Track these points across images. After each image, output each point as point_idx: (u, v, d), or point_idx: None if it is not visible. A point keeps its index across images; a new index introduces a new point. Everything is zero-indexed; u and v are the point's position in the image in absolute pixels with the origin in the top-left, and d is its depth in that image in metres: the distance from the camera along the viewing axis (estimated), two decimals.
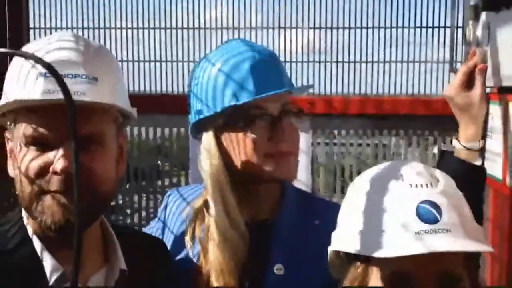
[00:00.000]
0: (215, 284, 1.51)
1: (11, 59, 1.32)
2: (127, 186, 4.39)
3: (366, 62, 4.26)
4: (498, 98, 1.68)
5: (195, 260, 1.58)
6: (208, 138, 1.56)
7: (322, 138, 4.11)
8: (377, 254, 1.15)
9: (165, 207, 1.75)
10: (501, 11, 1.62)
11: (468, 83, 1.67)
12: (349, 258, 1.25)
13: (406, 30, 4.17)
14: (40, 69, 1.21)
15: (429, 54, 4.14)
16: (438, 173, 1.24)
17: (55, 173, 1.22)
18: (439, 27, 4.15)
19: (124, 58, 4.46)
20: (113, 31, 4.50)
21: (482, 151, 1.68)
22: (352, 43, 4.28)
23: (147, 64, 4.52)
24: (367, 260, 1.19)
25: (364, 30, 4.24)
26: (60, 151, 1.22)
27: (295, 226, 1.62)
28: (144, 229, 1.84)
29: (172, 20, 4.50)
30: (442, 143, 3.72)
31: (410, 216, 1.15)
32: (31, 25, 4.08)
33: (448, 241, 1.12)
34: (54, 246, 1.29)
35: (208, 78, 1.55)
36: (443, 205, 1.16)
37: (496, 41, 1.65)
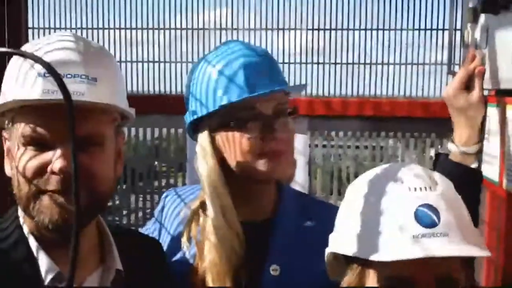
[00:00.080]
0: (211, 284, 1.51)
1: (9, 59, 1.32)
2: (124, 187, 4.38)
3: (365, 63, 4.26)
4: (496, 101, 1.68)
5: (191, 261, 1.58)
6: (203, 138, 1.57)
7: (319, 140, 4.11)
8: (374, 257, 1.15)
9: (162, 208, 1.75)
10: (499, 14, 1.63)
11: (467, 85, 1.67)
12: (346, 260, 1.25)
13: (404, 32, 4.17)
14: (39, 68, 1.21)
15: (427, 56, 4.15)
16: (437, 176, 1.24)
17: (53, 173, 1.22)
18: (437, 29, 4.15)
19: (122, 59, 4.45)
20: (111, 31, 4.50)
21: (478, 154, 1.68)
22: (350, 44, 4.28)
23: (145, 64, 4.51)
24: (365, 263, 1.19)
25: (362, 32, 4.24)
26: (59, 151, 1.22)
27: (292, 227, 1.62)
28: (140, 230, 1.84)
29: (171, 20, 4.50)
30: (439, 146, 3.72)
31: (408, 219, 1.15)
32: (30, 25, 4.07)
33: (445, 245, 1.12)
34: (50, 245, 1.29)
35: (203, 78, 1.56)
36: (441, 208, 1.15)
37: (494, 44, 1.66)
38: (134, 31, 4.54)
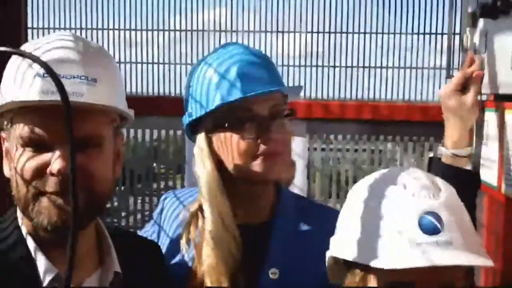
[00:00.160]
0: (208, 285, 1.51)
1: (8, 59, 1.32)
2: (122, 188, 4.38)
3: (363, 67, 4.27)
4: (494, 106, 1.68)
5: (190, 263, 1.58)
6: (200, 139, 1.57)
7: (318, 143, 4.11)
8: (376, 264, 1.14)
9: (161, 210, 1.75)
10: (498, 19, 1.63)
11: (463, 88, 1.68)
12: (348, 265, 1.24)
13: (403, 36, 4.17)
14: (38, 69, 1.20)
15: (426, 61, 4.15)
16: (440, 182, 1.23)
17: (52, 174, 1.21)
18: (436, 34, 4.15)
19: (122, 60, 4.45)
20: (110, 32, 4.50)
21: (470, 157, 1.69)
22: (349, 48, 4.28)
23: (144, 66, 4.51)
24: (365, 268, 1.19)
25: (361, 35, 4.25)
26: (57, 152, 1.21)
27: (291, 230, 1.62)
28: (139, 232, 1.84)
29: (171, 22, 4.50)
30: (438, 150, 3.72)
31: (412, 227, 1.14)
32: (29, 25, 4.07)
33: (449, 254, 1.11)
34: (48, 247, 1.29)
35: (201, 79, 1.57)
36: (445, 216, 1.15)
37: (493, 49, 1.66)
38: (133, 32, 4.54)
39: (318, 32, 4.33)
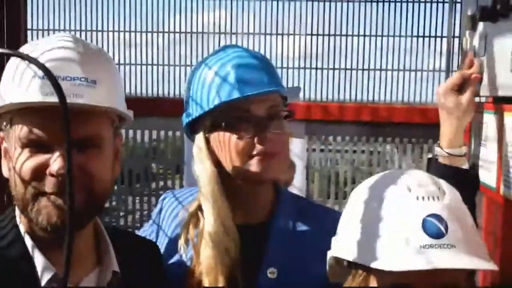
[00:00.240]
0: (206, 285, 1.51)
1: (7, 60, 1.32)
2: (121, 188, 4.38)
3: (363, 69, 4.27)
4: (494, 108, 1.69)
5: (188, 263, 1.58)
6: (199, 139, 1.59)
7: (317, 144, 4.11)
8: (379, 265, 1.14)
9: (160, 210, 1.75)
10: (498, 22, 1.63)
11: (460, 88, 1.69)
12: (350, 265, 1.24)
13: (403, 39, 4.18)
14: (38, 70, 1.21)
15: (425, 63, 4.15)
16: (444, 184, 1.23)
17: (51, 175, 1.22)
18: (435, 37, 4.16)
19: (121, 61, 4.45)
20: (110, 34, 4.50)
21: (466, 157, 1.70)
22: (349, 50, 4.29)
23: (143, 67, 4.51)
24: (368, 269, 1.19)
25: (361, 38, 4.25)
26: (56, 153, 1.22)
27: (290, 230, 1.62)
28: (138, 232, 1.84)
29: (171, 23, 4.50)
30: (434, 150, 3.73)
31: (416, 229, 1.14)
32: (29, 26, 4.07)
33: (452, 257, 1.11)
34: (46, 246, 1.29)
35: (200, 80, 1.58)
36: (449, 219, 1.15)
37: (492, 51, 1.67)
38: (132, 34, 4.54)
39: (317, 35, 4.33)
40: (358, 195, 1.29)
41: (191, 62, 4.40)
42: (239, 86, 1.51)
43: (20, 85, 1.23)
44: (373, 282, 1.20)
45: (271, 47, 4.37)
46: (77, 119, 1.21)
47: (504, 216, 1.68)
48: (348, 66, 4.29)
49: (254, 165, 1.52)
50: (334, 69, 4.30)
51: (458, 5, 3.53)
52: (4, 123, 1.29)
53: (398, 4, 4.19)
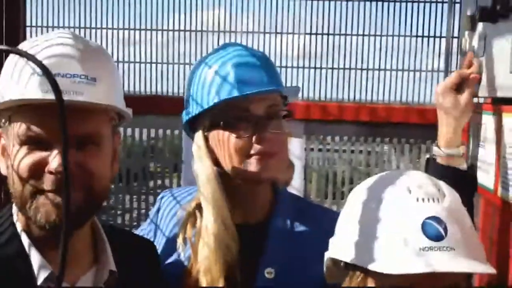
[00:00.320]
0: (203, 285, 1.51)
1: (6, 57, 1.32)
2: (119, 186, 4.37)
3: (361, 69, 4.27)
4: (492, 109, 1.68)
5: (186, 263, 1.58)
6: (198, 137, 1.59)
7: (315, 144, 4.11)
8: (378, 268, 1.14)
9: (158, 209, 1.75)
10: (497, 22, 1.63)
11: (458, 88, 1.69)
12: (347, 267, 1.24)
13: (401, 39, 4.18)
14: (37, 67, 1.20)
15: (424, 63, 4.15)
16: (443, 186, 1.23)
17: (50, 172, 1.21)
18: (434, 37, 4.16)
19: (120, 59, 4.45)
20: (109, 31, 4.49)
21: (464, 157, 1.70)
22: (347, 50, 4.28)
23: (142, 65, 4.50)
24: (366, 271, 1.18)
25: (360, 37, 4.25)
26: (55, 151, 1.22)
27: (288, 230, 1.62)
28: (135, 231, 1.84)
29: (169, 21, 4.49)
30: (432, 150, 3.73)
31: (415, 231, 1.13)
32: (28, 23, 4.06)
33: (452, 260, 1.11)
34: (43, 244, 1.29)
35: (199, 78, 1.58)
36: (448, 221, 1.14)
37: (491, 52, 1.66)
38: (131, 32, 4.54)
39: (316, 34, 4.33)
40: (357, 196, 1.28)
41: (190, 60, 4.39)
42: (239, 85, 1.51)
43: (19, 82, 1.23)
44: (371, 283, 1.20)
45: (269, 46, 4.37)
46: (77, 116, 1.21)
47: (501, 218, 1.68)
48: (347, 66, 4.28)
49: (252, 165, 1.52)
50: (332, 68, 4.30)
51: (457, 5, 3.54)
52: (3, 120, 1.29)
53: (397, 4, 4.19)
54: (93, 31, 4.53)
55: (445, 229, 1.13)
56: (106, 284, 1.35)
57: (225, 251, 1.52)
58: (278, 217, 1.63)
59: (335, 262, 1.28)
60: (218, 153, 1.56)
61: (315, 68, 4.31)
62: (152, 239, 1.68)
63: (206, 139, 1.57)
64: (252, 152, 1.51)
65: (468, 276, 1.21)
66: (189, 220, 1.61)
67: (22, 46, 1.27)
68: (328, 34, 4.29)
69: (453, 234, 1.13)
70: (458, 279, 1.16)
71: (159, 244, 1.66)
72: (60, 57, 1.24)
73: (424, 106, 3.83)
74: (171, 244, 1.62)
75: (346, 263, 1.23)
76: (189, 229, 1.60)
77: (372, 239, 1.17)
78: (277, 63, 4.26)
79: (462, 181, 1.64)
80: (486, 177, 1.69)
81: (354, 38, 4.26)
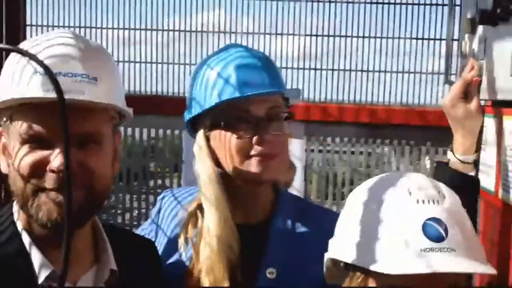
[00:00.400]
0: (205, 285, 1.51)
1: (6, 56, 1.32)
2: (119, 186, 4.37)
3: (362, 70, 4.27)
4: (493, 112, 1.69)
5: (188, 263, 1.58)
6: (199, 137, 1.59)
7: (315, 145, 4.11)
8: (378, 268, 1.14)
9: (159, 210, 1.75)
10: (497, 25, 1.63)
11: (465, 95, 1.69)
12: (347, 268, 1.24)
13: (402, 41, 4.18)
14: (38, 66, 1.21)
15: (424, 65, 4.16)
16: (444, 188, 1.24)
17: (51, 171, 1.22)
18: (435, 39, 4.16)
19: (120, 59, 4.45)
20: (109, 31, 4.49)
21: (476, 164, 1.69)
22: (348, 51, 4.28)
23: (142, 65, 4.50)
24: (367, 271, 1.19)
25: (360, 39, 4.25)
26: (57, 149, 1.22)
27: (289, 231, 1.62)
28: (136, 230, 1.84)
29: (170, 21, 4.49)
30: (435, 154, 3.73)
31: (416, 233, 1.14)
32: (28, 22, 4.06)
33: (452, 261, 1.12)
34: (43, 243, 1.29)
35: (201, 79, 1.58)
36: (448, 223, 1.15)
37: (491, 55, 1.67)
38: (132, 31, 4.54)
39: (316, 35, 4.33)
40: (357, 197, 1.28)
41: (190, 60, 4.39)
42: (240, 86, 1.51)
43: (21, 81, 1.23)
44: (371, 284, 1.20)
45: (270, 47, 4.37)
46: (78, 115, 1.21)
47: (501, 220, 1.68)
48: (347, 67, 4.28)
49: (252, 166, 1.52)
50: (333, 70, 4.29)
51: (458, 8, 3.54)
52: (4, 119, 1.29)
53: (398, 6, 4.19)
54: (93, 30, 4.53)
55: (446, 230, 1.14)
56: (107, 283, 1.36)
57: (228, 251, 1.52)
58: (279, 217, 1.63)
59: (335, 262, 1.29)
60: (219, 154, 1.56)
61: (315, 69, 4.31)
62: (153, 239, 1.68)
63: (208, 139, 1.58)
64: (252, 153, 1.52)
65: (469, 277, 1.22)
66: (191, 220, 1.61)
67: (23, 46, 1.27)
68: (328, 36, 4.29)
69: (453, 235, 1.14)
70: (459, 279, 1.17)
71: (161, 244, 1.67)
72: (61, 56, 1.24)
73: (424, 108, 3.84)
74: (172, 245, 1.63)
75: (346, 263, 1.23)
76: (190, 230, 1.60)
77: (372, 240, 1.18)
78: (277, 64, 4.25)
79: (470, 187, 1.64)
80: (487, 180, 1.70)
81: (355, 40, 4.26)
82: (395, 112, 3.72)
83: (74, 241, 1.28)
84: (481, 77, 1.71)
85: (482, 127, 1.72)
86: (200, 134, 1.59)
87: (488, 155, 1.69)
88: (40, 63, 0.97)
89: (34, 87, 1.21)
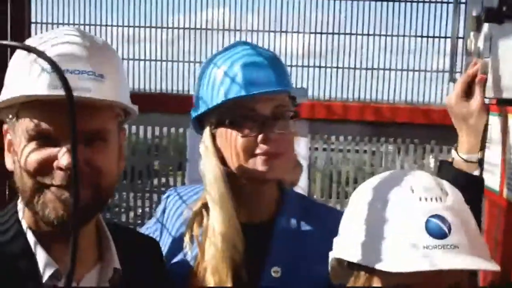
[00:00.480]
0: (210, 284, 1.51)
1: (11, 53, 1.32)
2: (123, 184, 4.38)
3: (366, 68, 4.27)
4: (498, 110, 1.68)
5: (193, 262, 1.58)
6: (205, 135, 1.59)
7: (319, 143, 4.11)
8: (382, 266, 1.14)
9: (164, 209, 1.75)
10: (503, 24, 1.63)
11: (469, 93, 1.68)
12: (352, 267, 1.24)
13: (407, 39, 4.18)
14: (46, 63, 1.21)
15: (429, 63, 4.15)
16: (447, 186, 1.24)
17: (59, 168, 1.22)
18: (439, 37, 4.16)
19: (124, 56, 4.45)
20: (114, 28, 4.50)
21: (480, 163, 1.69)
22: (353, 49, 4.28)
23: (147, 63, 4.51)
24: (371, 270, 1.19)
25: (365, 37, 4.25)
26: (64, 147, 1.22)
27: (294, 229, 1.62)
28: (141, 228, 1.83)
29: (175, 19, 4.50)
30: (439, 152, 3.73)
31: (419, 230, 1.14)
32: (33, 20, 4.07)
33: (455, 258, 1.12)
34: (48, 242, 1.29)
35: (208, 77, 1.58)
36: (452, 220, 1.15)
37: (497, 53, 1.66)
38: (136, 29, 4.54)
39: (321, 33, 4.33)
40: (361, 196, 1.28)
41: (194, 58, 4.40)
42: (246, 84, 1.51)
43: (27, 78, 1.22)
44: (376, 283, 1.20)
45: (274, 45, 4.37)
46: (84, 112, 1.21)
47: (506, 219, 1.67)
48: (352, 65, 4.28)
49: (257, 165, 1.52)
50: (338, 67, 4.30)
51: (463, 6, 3.52)
52: (10, 116, 1.29)
53: (402, 4, 4.19)
54: (98, 28, 4.54)
55: (449, 228, 1.15)
56: (111, 282, 1.35)
57: (232, 250, 1.52)
58: (283, 216, 1.63)
59: (339, 262, 1.29)
60: (224, 152, 1.56)
61: (320, 67, 4.31)
62: (158, 238, 1.68)
63: (213, 137, 1.58)
64: (257, 151, 1.52)
65: (473, 273, 1.22)
66: (196, 219, 1.61)
67: (29, 43, 1.27)
68: (333, 34, 4.29)
69: (456, 232, 1.14)
70: (462, 277, 1.17)
71: (165, 243, 1.67)
72: (68, 54, 1.24)
73: (429, 106, 3.83)
74: (177, 244, 1.62)
75: (349, 262, 1.23)
76: (196, 228, 1.60)
77: (376, 239, 1.18)
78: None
79: (474, 186, 1.64)
80: (491, 179, 1.69)
81: (360, 37, 4.26)
82: (400, 111, 3.72)
83: (78, 239, 1.28)
84: (487, 75, 1.70)
85: (486, 125, 1.72)
86: (206, 132, 1.59)
87: (493, 154, 1.68)
88: (49, 60, 0.97)
89: (41, 85, 1.21)
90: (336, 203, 3.94)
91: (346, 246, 1.25)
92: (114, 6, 4.46)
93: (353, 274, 1.25)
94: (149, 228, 1.76)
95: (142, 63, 4.45)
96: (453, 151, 1.71)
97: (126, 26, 4.50)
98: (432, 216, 1.15)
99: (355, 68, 4.25)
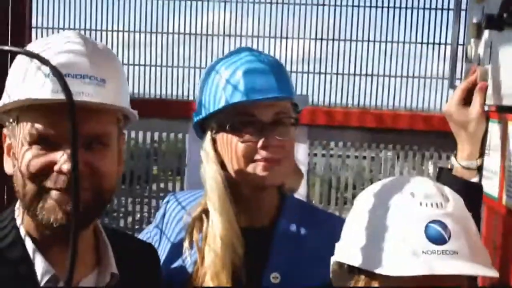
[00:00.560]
0: None
1: (12, 57, 1.32)
2: (121, 189, 4.37)
3: (366, 75, 4.26)
4: (497, 117, 1.68)
5: (192, 267, 1.58)
6: (206, 140, 1.60)
7: (318, 149, 4.10)
8: (382, 271, 1.15)
9: (164, 214, 1.74)
10: (504, 31, 1.63)
11: (468, 100, 1.68)
12: (352, 271, 1.25)
13: (407, 45, 4.17)
14: (47, 68, 1.20)
15: (429, 70, 4.15)
16: (448, 191, 1.24)
17: (60, 172, 1.22)
18: (440, 44, 4.15)
19: (124, 62, 4.45)
20: (115, 33, 4.50)
21: (479, 169, 1.68)
22: (353, 55, 4.28)
23: (146, 68, 4.50)
24: (371, 274, 1.19)
25: (365, 43, 4.24)
26: (65, 151, 1.22)
27: (294, 235, 1.62)
28: (140, 235, 1.83)
29: (175, 24, 4.50)
30: (438, 159, 3.72)
31: (419, 236, 1.15)
32: (33, 24, 4.07)
33: (455, 263, 1.12)
34: (46, 247, 1.29)
35: (210, 82, 1.58)
36: (451, 226, 1.16)
37: (497, 60, 1.66)
38: (137, 34, 4.54)
39: (321, 39, 4.32)
40: (363, 201, 1.29)
41: (194, 64, 4.39)
42: (247, 90, 1.51)
43: (29, 82, 1.23)
44: (374, 286, 1.20)
45: (274, 50, 4.37)
46: (85, 117, 1.22)
47: (505, 226, 1.67)
48: (352, 71, 4.28)
49: (257, 170, 1.52)
50: (337, 74, 4.29)
51: (463, 13, 3.53)
52: (10, 120, 1.29)
53: (403, 10, 4.19)
54: (98, 33, 4.53)
55: (449, 233, 1.15)
56: (108, 286, 1.35)
57: (232, 255, 1.52)
58: (283, 221, 1.63)
59: (340, 265, 1.29)
60: (224, 157, 1.56)
61: (319, 73, 4.31)
62: (157, 244, 1.68)
63: (214, 142, 1.58)
64: (257, 157, 1.52)
65: (472, 278, 1.21)
66: (196, 224, 1.61)
67: (30, 47, 1.27)
68: (333, 40, 4.29)
69: (456, 238, 1.15)
70: (461, 282, 1.17)
71: (165, 248, 1.66)
72: (69, 58, 1.24)
73: (429, 113, 3.83)
74: (177, 249, 1.62)
75: (349, 266, 1.23)
76: (195, 234, 1.60)
77: (376, 243, 1.19)
78: None
79: (473, 193, 1.63)
80: (490, 185, 1.69)
81: (360, 43, 4.26)
82: (400, 117, 3.71)
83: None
84: (487, 82, 1.70)
85: (486, 132, 1.71)
86: (207, 137, 1.59)
87: (492, 161, 1.68)
88: (50, 65, 0.97)
89: (42, 89, 1.21)
90: (334, 210, 3.94)
91: (347, 250, 1.26)
92: (113, 11, 4.46)
93: (353, 278, 1.25)
94: (149, 233, 1.76)
95: (141, 68, 4.44)
96: (452, 158, 1.71)
97: (125, 31, 4.49)
98: (433, 221, 1.16)
99: (355, 74, 4.25)
